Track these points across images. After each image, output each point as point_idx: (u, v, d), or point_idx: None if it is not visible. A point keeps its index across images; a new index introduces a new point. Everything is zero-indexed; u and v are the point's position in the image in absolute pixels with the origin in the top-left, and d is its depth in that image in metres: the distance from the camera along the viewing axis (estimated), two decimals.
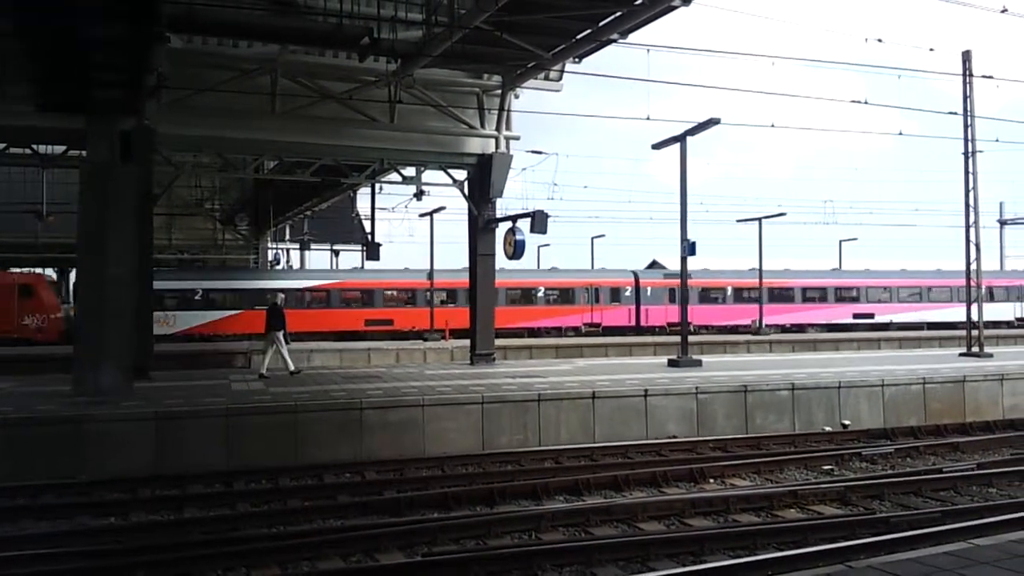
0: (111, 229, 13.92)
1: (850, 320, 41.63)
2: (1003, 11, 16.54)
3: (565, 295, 37.96)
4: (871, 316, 42.44)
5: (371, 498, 10.15)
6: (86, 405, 12.52)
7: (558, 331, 37.23)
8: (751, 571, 7.07)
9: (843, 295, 42.67)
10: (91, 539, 8.41)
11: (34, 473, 10.85)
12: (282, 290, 23.70)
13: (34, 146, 19.30)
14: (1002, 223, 55.23)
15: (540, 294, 37.73)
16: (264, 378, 17.09)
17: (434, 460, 12.35)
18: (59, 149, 19.36)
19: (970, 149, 22.16)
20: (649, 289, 38.96)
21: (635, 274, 39.80)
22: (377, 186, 31.02)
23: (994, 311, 41.60)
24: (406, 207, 35.74)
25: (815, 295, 41.95)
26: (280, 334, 17.89)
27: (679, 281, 20.77)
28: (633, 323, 38.43)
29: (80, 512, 9.60)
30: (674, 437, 14.10)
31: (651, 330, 38.13)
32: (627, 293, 38.66)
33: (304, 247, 50.09)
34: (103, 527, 9.09)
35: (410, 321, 35.03)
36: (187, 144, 19.88)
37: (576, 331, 37.30)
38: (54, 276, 42.04)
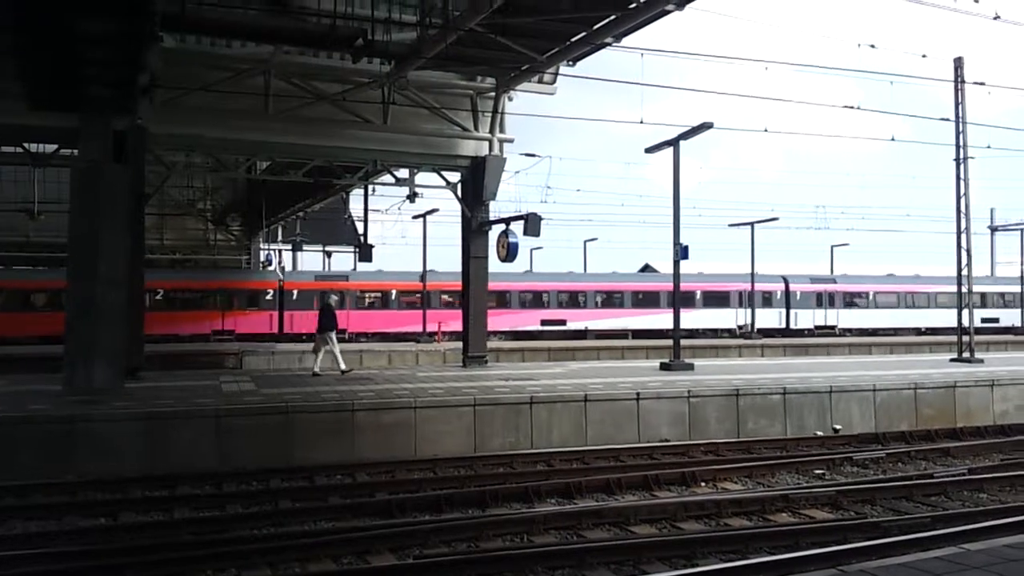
0: (103, 228, 13.87)
1: (537, 327, 38.16)
2: (995, 18, 16.60)
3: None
4: (563, 323, 38.85)
5: (362, 500, 10.10)
6: (76, 405, 12.46)
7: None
8: (743, 574, 7.06)
9: (529, 300, 39.19)
10: (80, 539, 8.35)
11: (23, 473, 10.77)
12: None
13: (25, 144, 19.22)
14: (993, 229, 55.42)
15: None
16: (316, 376, 17.67)
17: (426, 462, 12.31)
18: (51, 148, 19.28)
19: (962, 155, 22.27)
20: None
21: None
22: (370, 188, 31.07)
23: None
24: (399, 209, 35.85)
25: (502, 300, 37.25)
26: (332, 334, 18.42)
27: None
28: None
29: (70, 512, 9.53)
30: (666, 440, 14.10)
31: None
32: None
33: (296, 248, 49.98)
34: (93, 527, 9.04)
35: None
36: (179, 144, 19.82)
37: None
38: None
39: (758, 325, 39.82)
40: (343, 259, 51.04)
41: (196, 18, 14.08)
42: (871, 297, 43.91)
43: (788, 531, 8.65)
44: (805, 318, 42.06)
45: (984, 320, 38.75)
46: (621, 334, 38.21)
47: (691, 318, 36.70)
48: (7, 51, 12.44)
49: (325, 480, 11.39)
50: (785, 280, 41.87)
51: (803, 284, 42.51)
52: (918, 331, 42.89)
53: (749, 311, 40.30)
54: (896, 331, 42.75)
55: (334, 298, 19.77)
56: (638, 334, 38.15)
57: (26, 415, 11.68)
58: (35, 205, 32.25)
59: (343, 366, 18.37)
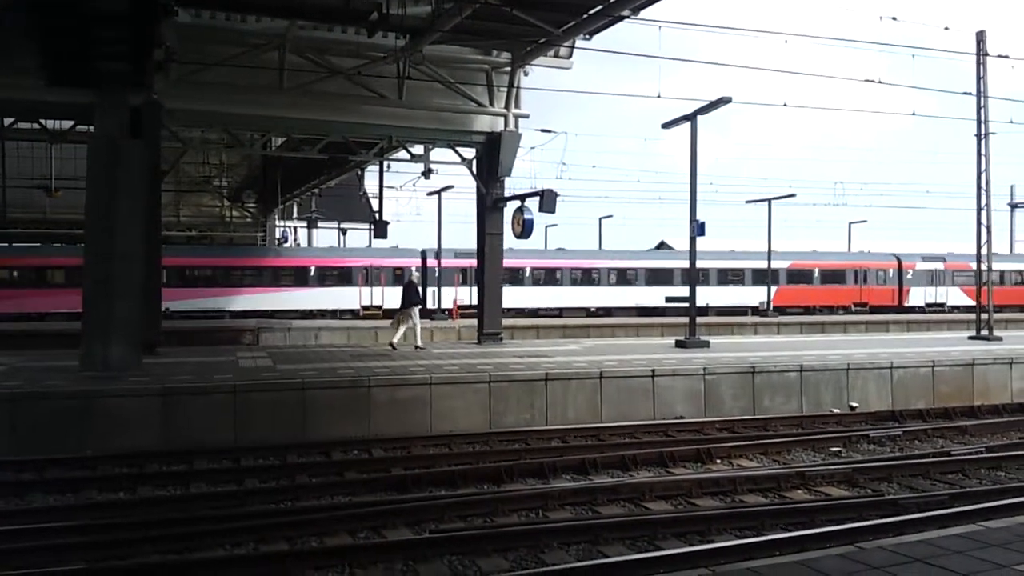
0: (119, 204, 13.87)
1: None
2: None
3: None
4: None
5: (378, 475, 10.14)
6: (94, 380, 12.55)
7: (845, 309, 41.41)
8: (759, 551, 7.04)
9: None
10: (99, 513, 8.43)
11: (41, 448, 10.88)
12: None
13: (42, 121, 19.25)
14: (1013, 206, 54.84)
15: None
16: (393, 349, 18.18)
17: (441, 438, 12.35)
18: (67, 124, 19.31)
19: (983, 131, 21.97)
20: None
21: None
22: (385, 164, 30.99)
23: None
24: (414, 186, 35.79)
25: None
26: (415, 310, 18.84)
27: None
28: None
29: (87, 487, 9.62)
30: (681, 418, 14.08)
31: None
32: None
33: (312, 225, 50.08)
34: (111, 501, 9.12)
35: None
36: (195, 120, 19.81)
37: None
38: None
39: None
40: (358, 236, 51.14)
41: None
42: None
43: (804, 508, 8.62)
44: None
45: None
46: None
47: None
48: (23, 27, 12.44)
49: (341, 455, 11.44)
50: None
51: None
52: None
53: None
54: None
55: (416, 275, 19.99)
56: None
57: (44, 391, 11.77)
58: (52, 181, 32.38)
59: (419, 342, 18.87)
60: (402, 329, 19.00)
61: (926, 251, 45.11)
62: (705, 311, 35.31)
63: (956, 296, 42.97)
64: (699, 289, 20.54)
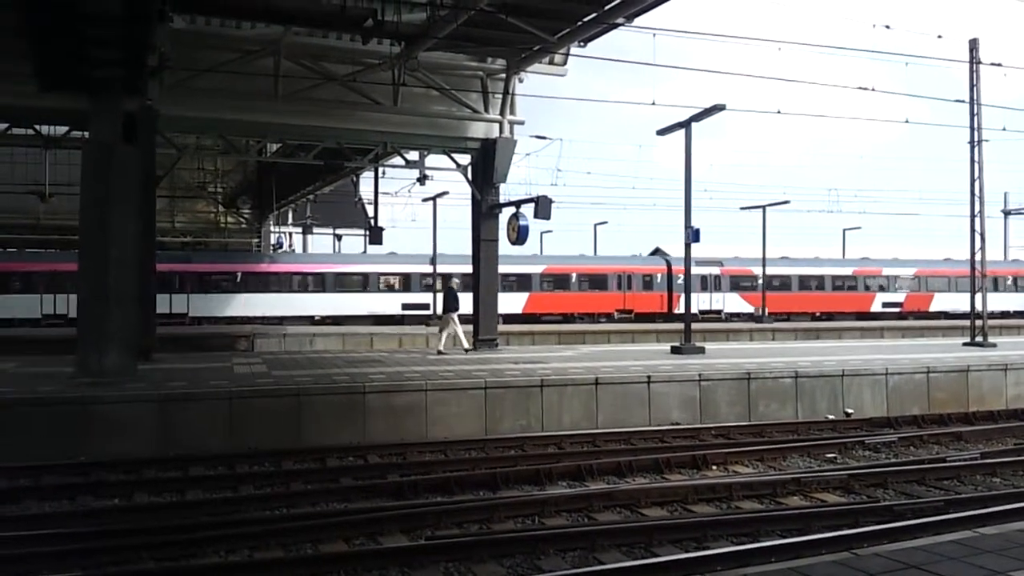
0: (114, 210, 13.84)
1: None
2: None
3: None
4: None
5: (374, 481, 10.13)
6: (89, 386, 12.50)
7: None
8: (754, 557, 7.04)
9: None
10: (94, 520, 8.40)
11: (37, 454, 10.83)
12: None
13: (36, 126, 19.22)
14: (1007, 213, 54.99)
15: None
16: (441, 354, 18.56)
17: (437, 444, 12.34)
18: (61, 129, 19.29)
19: (976, 138, 22.05)
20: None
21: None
22: (380, 170, 30.99)
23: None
24: (409, 192, 35.87)
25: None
26: (455, 315, 19.12)
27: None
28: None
29: (83, 493, 9.59)
30: (677, 424, 14.08)
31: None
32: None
33: (307, 231, 50.07)
34: (106, 508, 9.09)
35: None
36: (189, 126, 19.80)
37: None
38: None
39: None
40: (353, 242, 51.13)
41: None
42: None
43: (800, 514, 8.62)
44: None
45: None
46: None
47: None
48: (17, 31, 12.43)
49: (337, 462, 11.41)
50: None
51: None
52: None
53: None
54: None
55: (456, 280, 20.06)
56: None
57: (39, 397, 11.73)
58: (46, 187, 32.29)
59: (466, 344, 19.40)
60: (445, 334, 19.32)
61: (702, 256, 42.84)
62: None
63: (734, 302, 41.06)
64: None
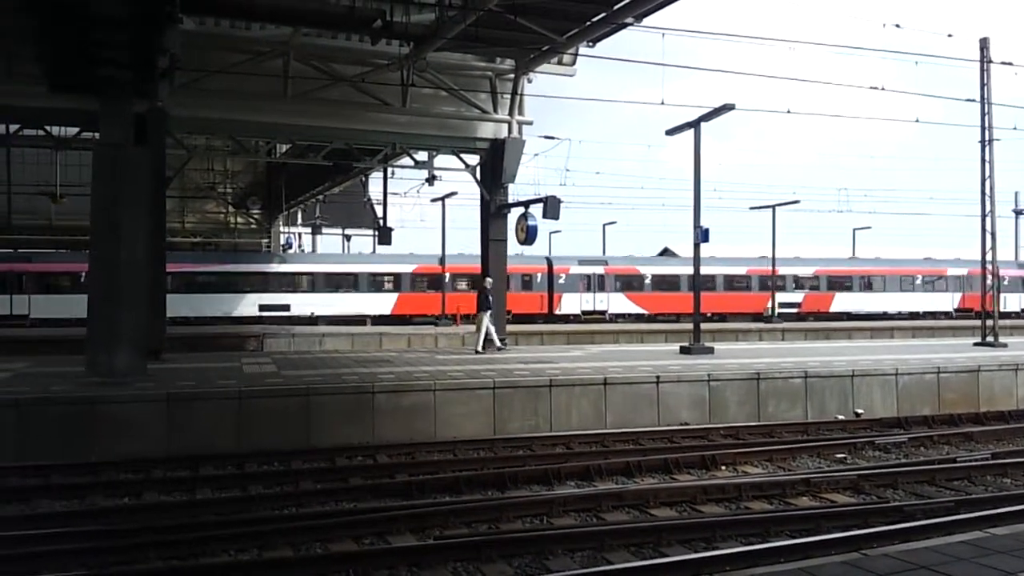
0: (124, 211, 13.91)
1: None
2: None
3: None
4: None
5: (383, 481, 10.15)
6: (99, 386, 12.55)
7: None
8: (763, 558, 7.03)
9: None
10: (104, 519, 8.44)
11: (47, 453, 10.89)
12: None
13: (47, 127, 19.32)
14: (1017, 212, 54.70)
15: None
16: (479, 353, 18.82)
17: (445, 444, 12.35)
18: (72, 131, 19.38)
19: (987, 137, 21.96)
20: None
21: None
22: (389, 171, 31.04)
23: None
24: (418, 192, 35.85)
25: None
26: (487, 314, 19.21)
27: None
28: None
29: (93, 492, 9.63)
30: (686, 424, 14.06)
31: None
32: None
33: (316, 231, 50.15)
34: (116, 507, 9.12)
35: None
36: (199, 127, 19.91)
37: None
38: None
39: None
40: (363, 242, 51.22)
41: (215, 0, 14.09)
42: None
43: (809, 515, 8.59)
44: None
45: None
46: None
47: None
48: (28, 34, 12.50)
49: (346, 461, 11.43)
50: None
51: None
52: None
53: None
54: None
55: (489, 281, 20.12)
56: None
57: (49, 396, 11.78)
58: (57, 188, 32.47)
59: (497, 343, 19.51)
60: (482, 334, 19.38)
61: (584, 255, 41.23)
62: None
63: (619, 303, 39.34)
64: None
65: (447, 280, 36.31)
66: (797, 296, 41.47)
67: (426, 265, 37.52)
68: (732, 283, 41.02)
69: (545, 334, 31.11)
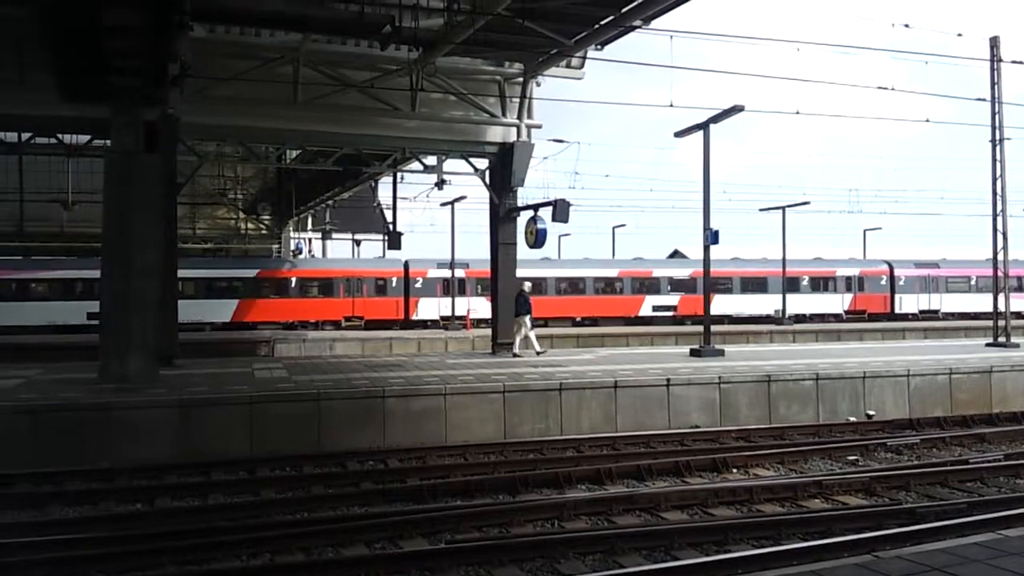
0: (136, 218, 13.99)
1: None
2: None
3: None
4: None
5: (394, 485, 10.17)
6: (112, 392, 12.63)
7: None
8: (776, 561, 7.01)
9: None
10: (117, 525, 8.48)
11: (60, 459, 10.95)
12: None
13: (59, 135, 19.45)
14: None
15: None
16: (516, 356, 18.96)
17: (456, 448, 12.36)
18: (84, 138, 19.50)
19: (998, 136, 21.87)
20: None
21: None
22: (398, 175, 31.16)
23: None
24: (427, 196, 35.93)
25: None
26: (526, 319, 19.38)
27: None
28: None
29: (106, 498, 9.68)
30: (697, 427, 14.04)
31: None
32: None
33: (326, 236, 50.30)
34: (129, 513, 9.17)
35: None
36: (210, 133, 19.96)
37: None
38: None
39: None
40: (372, 247, 51.32)
41: (225, 7, 14.17)
42: None
43: (821, 517, 8.58)
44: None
45: None
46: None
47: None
48: (39, 42, 12.58)
49: (357, 466, 11.47)
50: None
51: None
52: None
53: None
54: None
55: (528, 285, 20.22)
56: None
57: (63, 403, 11.86)
58: (69, 195, 32.67)
59: (537, 348, 19.50)
60: (519, 337, 19.45)
61: (442, 258, 38.07)
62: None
63: (482, 307, 34.65)
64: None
65: (293, 285, 35.50)
66: (672, 299, 39.21)
67: (271, 270, 36.14)
68: (602, 286, 39.03)
69: (555, 337, 31.09)
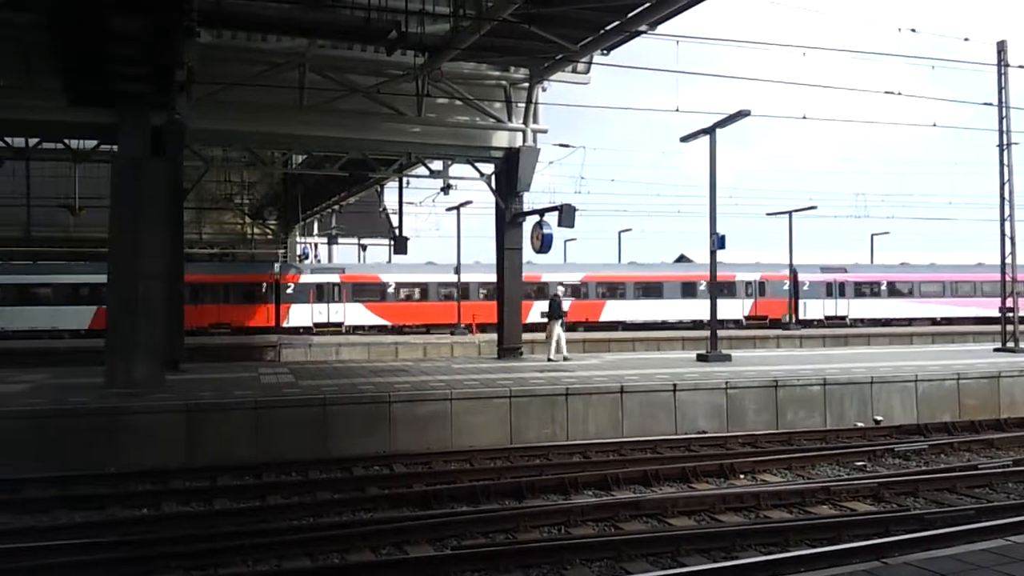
0: (143, 223, 14.02)
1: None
2: None
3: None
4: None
5: (400, 491, 10.14)
6: (118, 397, 12.64)
7: None
8: (784, 567, 6.98)
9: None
10: (123, 529, 8.48)
11: (66, 464, 10.94)
12: None
13: (66, 140, 19.50)
14: None
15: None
16: (551, 361, 19.05)
17: (462, 453, 12.33)
18: (90, 144, 19.55)
19: (1005, 141, 21.81)
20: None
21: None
22: (404, 180, 31.15)
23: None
24: (433, 201, 35.88)
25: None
26: (559, 323, 19.58)
27: None
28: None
29: (112, 503, 9.67)
30: (703, 432, 13.99)
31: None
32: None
33: (332, 241, 50.39)
34: (135, 518, 9.17)
35: None
36: (216, 139, 20.06)
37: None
38: None
39: None
40: (378, 251, 51.42)
41: (232, 13, 14.23)
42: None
43: (829, 523, 8.53)
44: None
45: None
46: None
47: None
48: (46, 47, 12.63)
49: (363, 471, 11.45)
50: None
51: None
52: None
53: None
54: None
55: (561, 290, 20.31)
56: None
57: (69, 408, 11.87)
58: (76, 200, 32.75)
59: (565, 353, 19.65)
60: (552, 342, 19.49)
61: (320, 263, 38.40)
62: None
63: (357, 314, 36.14)
64: None
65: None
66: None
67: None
68: (487, 293, 35.26)
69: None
